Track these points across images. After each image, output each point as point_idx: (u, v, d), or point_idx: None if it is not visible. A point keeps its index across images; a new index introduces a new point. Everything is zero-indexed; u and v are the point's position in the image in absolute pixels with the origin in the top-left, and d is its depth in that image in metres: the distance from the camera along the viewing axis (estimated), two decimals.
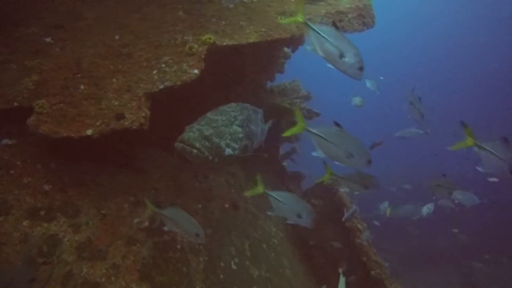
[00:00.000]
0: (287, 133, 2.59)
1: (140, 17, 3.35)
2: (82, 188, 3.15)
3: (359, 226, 5.23)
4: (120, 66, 3.08)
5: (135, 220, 3.33)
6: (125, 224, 3.24)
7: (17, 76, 2.87)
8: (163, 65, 3.08)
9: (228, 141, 2.89)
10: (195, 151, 2.73)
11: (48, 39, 3.09)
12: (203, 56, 3.11)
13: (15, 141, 2.87)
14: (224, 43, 3.17)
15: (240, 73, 5.03)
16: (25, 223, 2.66)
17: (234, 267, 3.99)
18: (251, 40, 3.21)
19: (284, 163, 7.17)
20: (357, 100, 5.61)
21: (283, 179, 6.93)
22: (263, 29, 3.30)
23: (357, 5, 3.58)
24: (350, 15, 3.48)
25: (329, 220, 5.70)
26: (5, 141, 2.83)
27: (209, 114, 3.04)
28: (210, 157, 2.79)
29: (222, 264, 4.01)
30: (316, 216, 3.08)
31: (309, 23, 2.18)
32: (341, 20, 3.45)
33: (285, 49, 5.75)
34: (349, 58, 2.20)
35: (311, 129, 2.46)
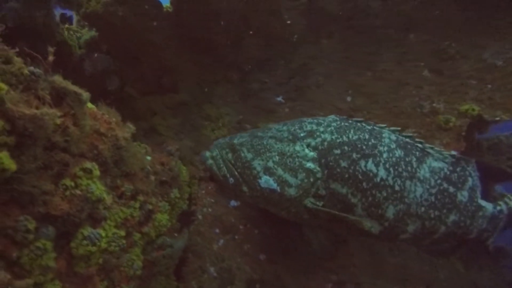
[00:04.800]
0: None
1: (374, 75, 2.92)
2: (288, 260, 2.93)
3: None
4: None
5: None
6: None
7: None
8: None
9: (271, 164, 1.70)
10: (209, 161, 1.86)
11: (279, 98, 2.98)
12: (463, 133, 2.43)
13: (239, 202, 2.84)
14: (497, 117, 2.41)
15: None
16: None
17: None
18: None
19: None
20: None
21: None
22: None
23: None
24: None
25: None
26: (232, 203, 2.83)
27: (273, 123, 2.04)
28: (231, 180, 1.81)
29: None
30: None
31: None
32: None
33: None
34: None
35: None
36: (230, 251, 2.67)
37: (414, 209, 1.86)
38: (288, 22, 2.97)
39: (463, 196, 1.98)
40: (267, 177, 1.73)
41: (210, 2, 2.84)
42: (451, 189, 1.96)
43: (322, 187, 1.76)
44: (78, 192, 1.44)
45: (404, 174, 1.83)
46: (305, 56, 3.11)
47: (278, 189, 1.74)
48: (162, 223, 2.06)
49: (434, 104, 2.61)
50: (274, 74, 3.09)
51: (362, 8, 3.12)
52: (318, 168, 1.74)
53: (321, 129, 1.82)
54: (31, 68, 1.27)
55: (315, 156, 1.74)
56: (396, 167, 1.81)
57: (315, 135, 1.80)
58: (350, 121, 1.90)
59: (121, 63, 3.01)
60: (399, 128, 1.97)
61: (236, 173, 1.80)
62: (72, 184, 1.43)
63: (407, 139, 1.94)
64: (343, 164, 1.75)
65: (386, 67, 2.94)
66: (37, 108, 1.31)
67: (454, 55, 2.80)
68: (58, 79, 1.45)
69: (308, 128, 1.84)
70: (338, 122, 1.87)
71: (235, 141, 1.85)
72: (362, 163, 1.77)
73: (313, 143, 1.78)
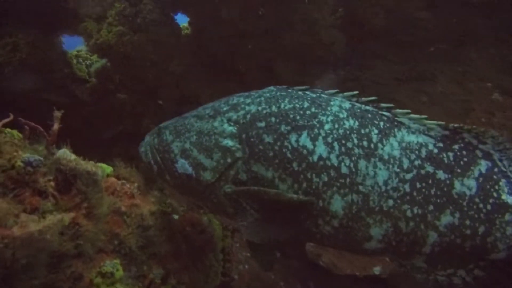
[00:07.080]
0: None
1: (430, 100, 2.50)
2: None
3: None
4: None
5: None
6: None
7: None
8: None
9: (187, 146, 1.40)
10: (142, 149, 1.55)
11: None
12: None
13: (279, 254, 2.45)
14: None
15: None
16: None
17: None
18: None
19: None
20: None
21: None
22: None
23: None
24: None
25: None
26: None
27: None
28: (155, 167, 1.47)
29: None
30: None
31: None
32: None
33: None
34: None
35: None
36: None
37: (375, 203, 1.29)
38: (326, 41, 2.57)
39: (465, 186, 1.32)
40: (183, 161, 1.40)
41: (236, 22, 2.46)
42: (441, 175, 1.31)
43: (242, 170, 1.34)
44: None
45: (356, 151, 1.30)
46: (346, 79, 2.71)
47: (194, 173, 1.37)
48: None
49: None
50: None
51: (408, 21, 2.71)
52: (238, 146, 1.34)
53: (248, 100, 1.41)
54: (26, 157, 0.90)
55: (234, 131, 1.37)
56: (344, 142, 1.31)
57: (238, 108, 1.41)
58: (290, 90, 1.47)
59: (136, 95, 2.66)
60: (356, 92, 1.43)
61: (158, 158, 1.47)
62: None
63: (368, 107, 1.40)
64: (267, 139, 1.33)
65: (444, 90, 2.52)
66: (36, 209, 0.94)
67: None
68: (65, 156, 1.08)
69: (234, 101, 1.44)
70: (274, 92, 1.44)
71: (162, 124, 1.55)
72: (293, 137, 1.32)
73: (234, 117, 1.39)
